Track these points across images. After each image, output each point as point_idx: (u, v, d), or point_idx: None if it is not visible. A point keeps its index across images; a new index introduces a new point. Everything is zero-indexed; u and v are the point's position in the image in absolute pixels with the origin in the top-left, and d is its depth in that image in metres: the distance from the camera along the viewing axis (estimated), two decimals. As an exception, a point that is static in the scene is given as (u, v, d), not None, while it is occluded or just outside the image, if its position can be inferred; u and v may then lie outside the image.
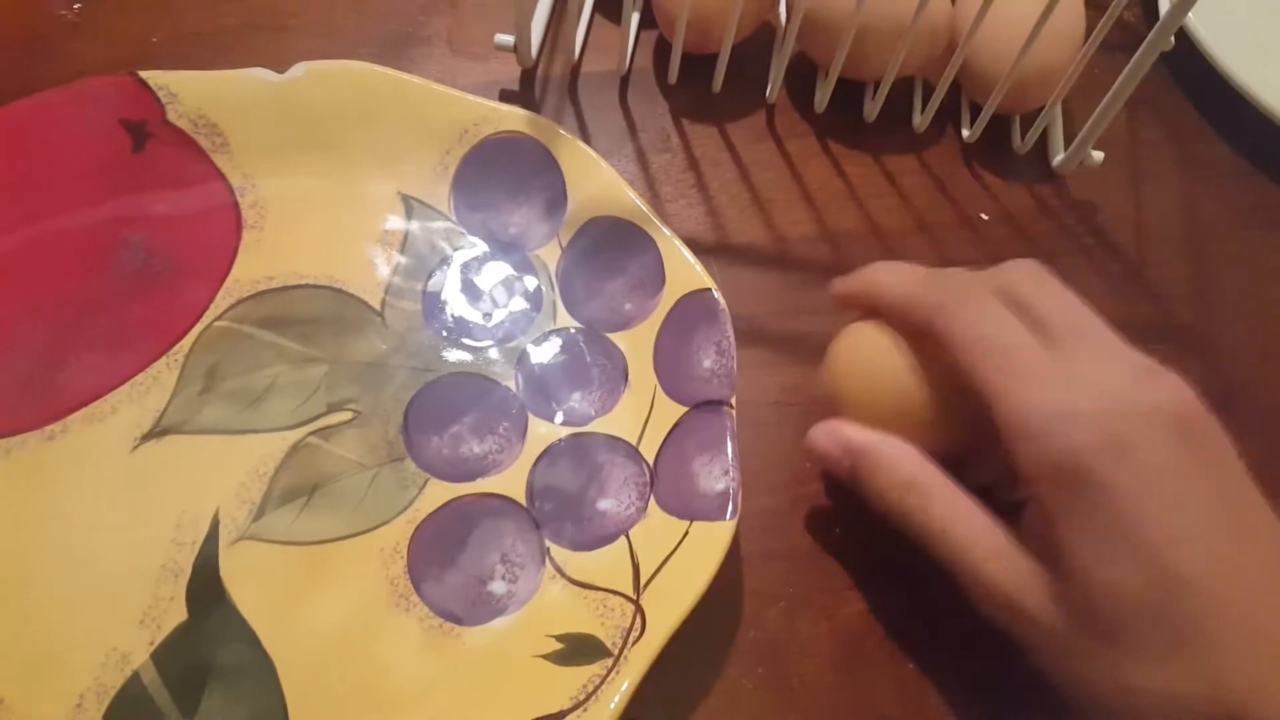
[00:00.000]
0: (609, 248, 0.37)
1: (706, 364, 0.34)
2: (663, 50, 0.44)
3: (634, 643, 0.29)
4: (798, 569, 0.33)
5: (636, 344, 0.36)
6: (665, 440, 0.33)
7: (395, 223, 0.37)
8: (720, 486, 0.31)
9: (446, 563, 0.32)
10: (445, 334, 0.36)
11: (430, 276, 0.37)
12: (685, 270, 0.35)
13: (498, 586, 0.32)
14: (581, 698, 0.28)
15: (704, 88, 0.43)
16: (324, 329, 0.35)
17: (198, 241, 0.36)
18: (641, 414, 0.34)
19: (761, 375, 0.37)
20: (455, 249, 0.37)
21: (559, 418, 0.35)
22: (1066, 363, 0.28)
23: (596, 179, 0.37)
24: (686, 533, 0.31)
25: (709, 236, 0.40)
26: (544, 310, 0.37)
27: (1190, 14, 0.35)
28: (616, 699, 0.28)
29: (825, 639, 0.32)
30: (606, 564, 0.32)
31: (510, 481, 0.33)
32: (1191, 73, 0.47)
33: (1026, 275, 0.31)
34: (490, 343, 0.36)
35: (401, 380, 0.35)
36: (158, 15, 0.43)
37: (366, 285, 0.36)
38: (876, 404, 0.32)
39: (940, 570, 0.31)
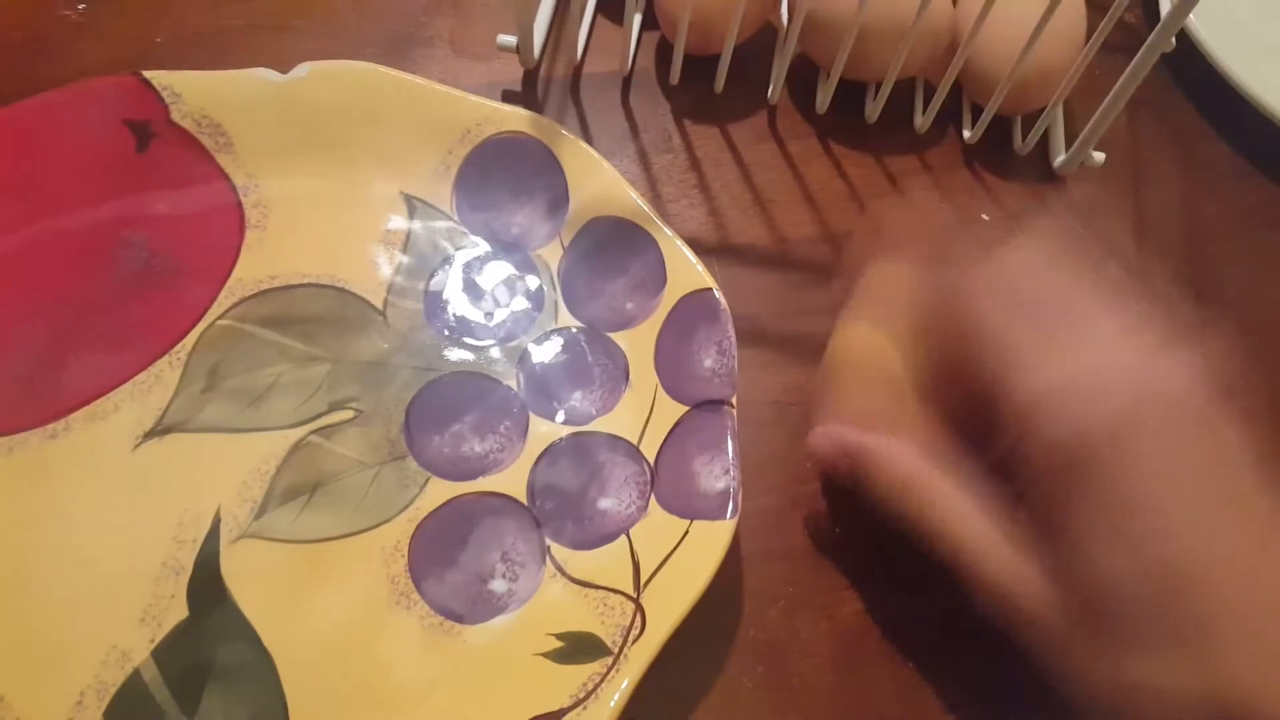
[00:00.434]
0: (611, 247, 0.37)
1: (707, 363, 0.34)
2: (665, 51, 0.44)
3: (634, 641, 0.29)
4: (798, 568, 0.34)
5: (638, 343, 0.36)
6: (666, 439, 0.34)
7: (398, 222, 0.38)
8: (721, 486, 0.31)
9: (447, 561, 0.32)
10: (447, 333, 0.36)
11: (432, 276, 0.37)
12: (687, 270, 0.35)
13: (498, 585, 0.32)
14: (582, 696, 0.28)
15: (706, 88, 0.43)
16: (326, 328, 0.35)
17: (200, 241, 0.36)
18: (642, 413, 0.35)
19: (762, 375, 0.37)
20: (457, 248, 0.37)
21: (560, 417, 0.35)
22: (1069, 341, 0.27)
23: (598, 179, 0.37)
24: (687, 532, 0.31)
25: (710, 237, 0.40)
26: (545, 310, 0.37)
27: (1191, 15, 0.35)
28: (616, 697, 0.28)
29: (825, 638, 0.32)
30: (607, 563, 0.32)
31: (511, 480, 0.33)
32: (1192, 74, 0.47)
33: (1043, 244, 0.30)
34: (492, 342, 0.36)
35: (403, 379, 0.35)
36: (161, 15, 0.43)
37: (369, 284, 0.36)
38: (872, 401, 0.32)
39: (940, 570, 0.31)
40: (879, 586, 0.34)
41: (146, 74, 0.36)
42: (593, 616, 0.31)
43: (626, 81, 0.44)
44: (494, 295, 0.37)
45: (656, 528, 0.32)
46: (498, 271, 0.37)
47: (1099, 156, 0.42)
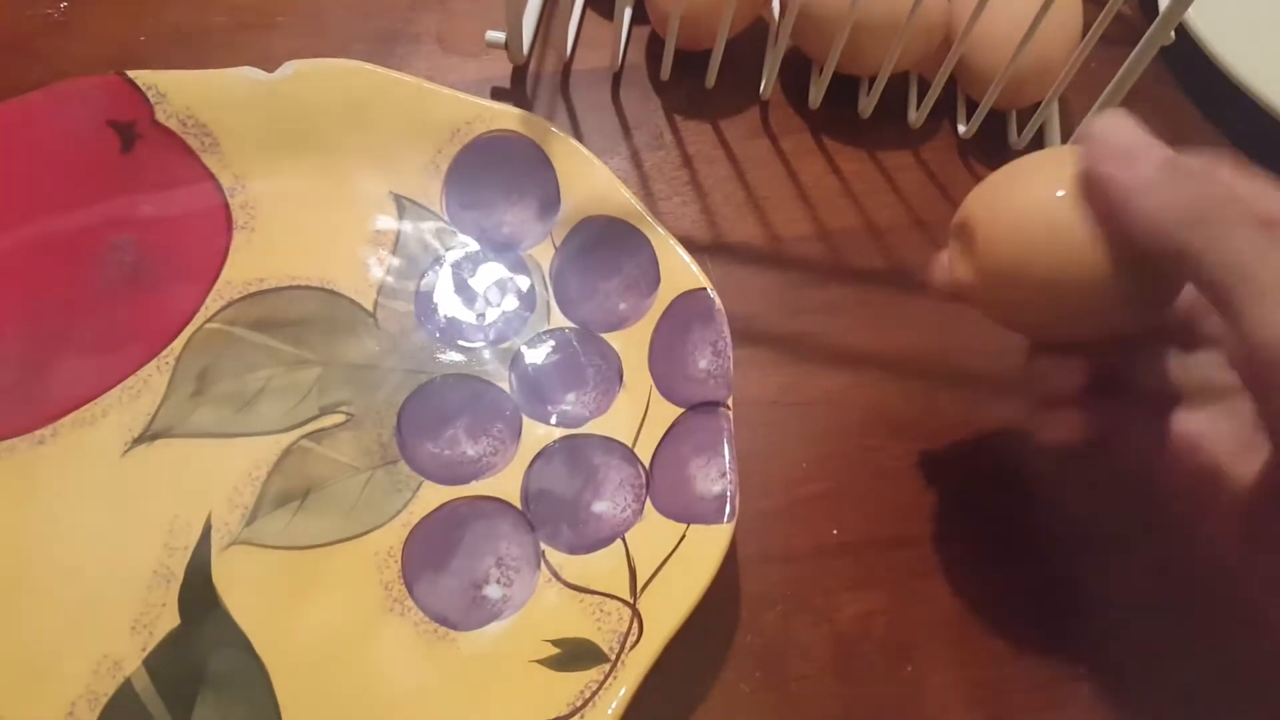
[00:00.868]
0: (603, 247, 0.36)
1: (702, 364, 0.34)
2: (655, 46, 0.44)
3: (631, 648, 0.29)
4: (795, 572, 0.33)
5: (631, 344, 0.35)
6: (661, 442, 0.33)
7: (387, 223, 0.37)
8: (717, 489, 0.31)
9: (441, 567, 0.32)
10: (438, 335, 0.36)
11: (423, 277, 0.37)
12: (680, 269, 0.35)
13: (493, 590, 0.31)
14: (579, 704, 0.28)
15: (697, 84, 0.43)
16: (316, 330, 0.35)
17: (188, 243, 0.36)
18: (637, 415, 0.34)
19: (758, 375, 0.36)
20: (448, 249, 0.37)
21: (554, 419, 0.34)
22: None
23: (590, 177, 0.37)
24: (684, 536, 0.31)
25: (704, 235, 0.40)
26: (538, 310, 0.36)
27: (1189, 8, 0.34)
28: (614, 705, 0.28)
29: (823, 642, 0.32)
30: (603, 568, 0.31)
31: (505, 484, 0.33)
32: (1190, 68, 0.47)
33: (1241, 175, 0.27)
34: (484, 343, 0.36)
35: (394, 382, 0.35)
36: (144, 14, 0.42)
37: (358, 286, 0.36)
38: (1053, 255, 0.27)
39: (940, 572, 0.31)
40: (878, 589, 0.33)
41: (130, 74, 0.36)
42: (589, 622, 0.30)
43: (617, 78, 0.44)
44: (485, 296, 0.36)
45: (653, 532, 0.32)
46: (489, 272, 0.37)
47: (1095, 150, 0.41)
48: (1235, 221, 0.24)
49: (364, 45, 0.42)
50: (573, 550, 0.32)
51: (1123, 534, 0.35)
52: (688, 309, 0.34)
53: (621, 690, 0.28)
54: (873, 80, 0.42)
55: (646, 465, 0.33)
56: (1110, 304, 0.27)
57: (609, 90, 0.43)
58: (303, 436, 0.33)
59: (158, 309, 0.35)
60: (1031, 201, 0.27)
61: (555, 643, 0.30)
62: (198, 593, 0.31)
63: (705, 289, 0.34)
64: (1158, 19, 0.35)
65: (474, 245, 0.37)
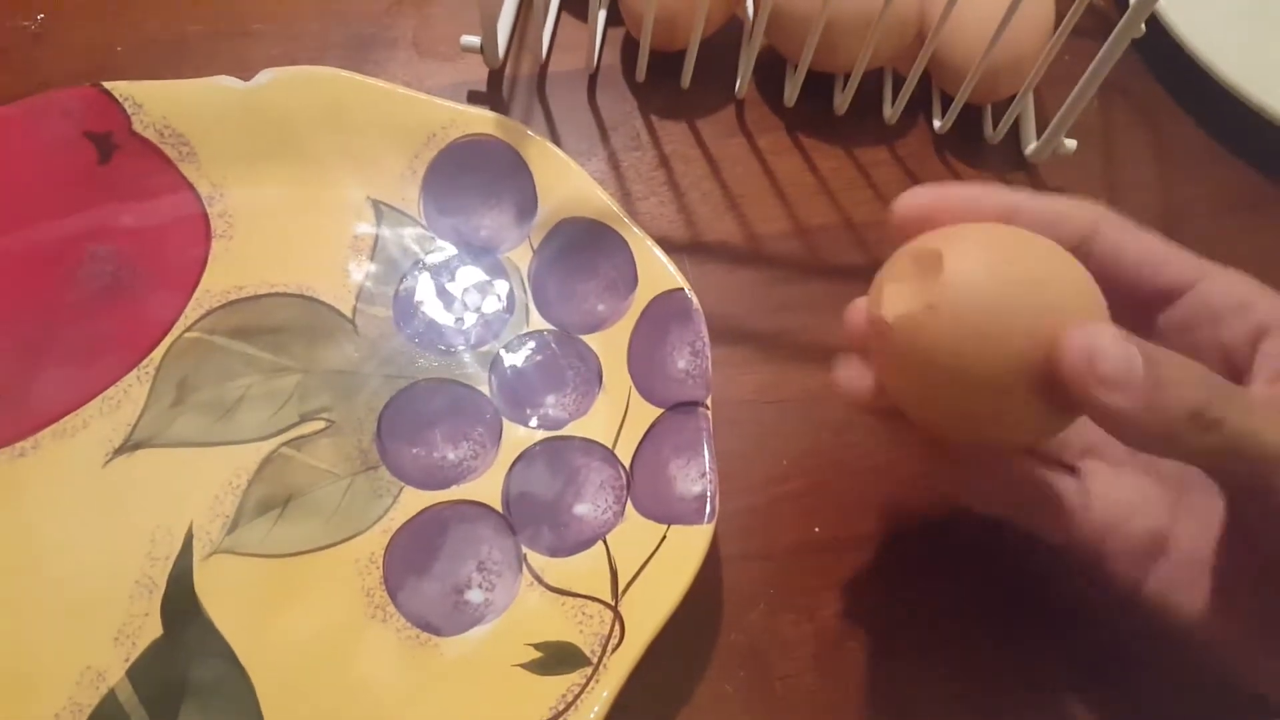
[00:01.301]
0: (581, 249, 0.36)
1: (681, 364, 0.34)
2: (630, 47, 0.44)
3: (613, 650, 0.29)
4: (778, 570, 0.33)
5: (610, 345, 0.35)
6: (641, 443, 0.33)
7: (365, 228, 0.37)
8: (698, 489, 0.31)
9: (423, 572, 0.32)
10: (417, 340, 0.36)
11: (401, 282, 0.37)
12: (657, 270, 0.35)
13: (475, 595, 0.31)
14: (561, 708, 0.28)
15: (673, 84, 0.43)
16: (295, 337, 0.35)
17: (166, 252, 0.36)
18: (617, 416, 0.34)
19: (737, 374, 0.37)
20: (426, 254, 0.37)
21: (533, 422, 0.35)
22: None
23: (566, 180, 0.37)
24: (664, 537, 0.31)
25: (681, 234, 0.40)
26: (516, 313, 0.36)
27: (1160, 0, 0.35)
28: (596, 708, 0.28)
29: (807, 640, 0.32)
30: (584, 570, 0.31)
31: (486, 488, 0.33)
32: (1163, 57, 0.47)
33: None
34: (463, 347, 0.36)
35: (374, 388, 0.35)
36: (120, 24, 0.42)
37: (337, 292, 0.36)
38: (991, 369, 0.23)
39: (924, 569, 0.31)
40: (860, 587, 0.33)
41: (107, 84, 0.36)
42: (571, 626, 0.30)
43: (593, 79, 0.44)
44: (464, 300, 0.36)
45: (634, 533, 0.32)
46: (467, 276, 0.37)
47: (1070, 144, 0.41)
48: (1243, 412, 0.23)
49: (340, 51, 0.42)
50: (554, 553, 0.32)
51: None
52: (666, 309, 0.35)
53: (604, 693, 0.28)
54: (847, 77, 0.42)
55: (627, 466, 0.33)
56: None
57: (585, 92, 0.43)
58: (283, 444, 0.33)
59: (137, 319, 0.35)
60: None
61: (537, 646, 0.30)
62: (180, 602, 0.31)
63: (683, 289, 0.34)
64: (1129, 11, 0.35)
65: (452, 249, 0.37)
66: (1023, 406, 0.23)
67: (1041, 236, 0.25)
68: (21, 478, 0.32)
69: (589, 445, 0.34)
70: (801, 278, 0.39)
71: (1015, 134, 0.44)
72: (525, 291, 0.37)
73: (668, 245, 0.36)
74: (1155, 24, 0.46)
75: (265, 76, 0.37)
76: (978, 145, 0.44)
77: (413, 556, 0.32)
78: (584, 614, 0.30)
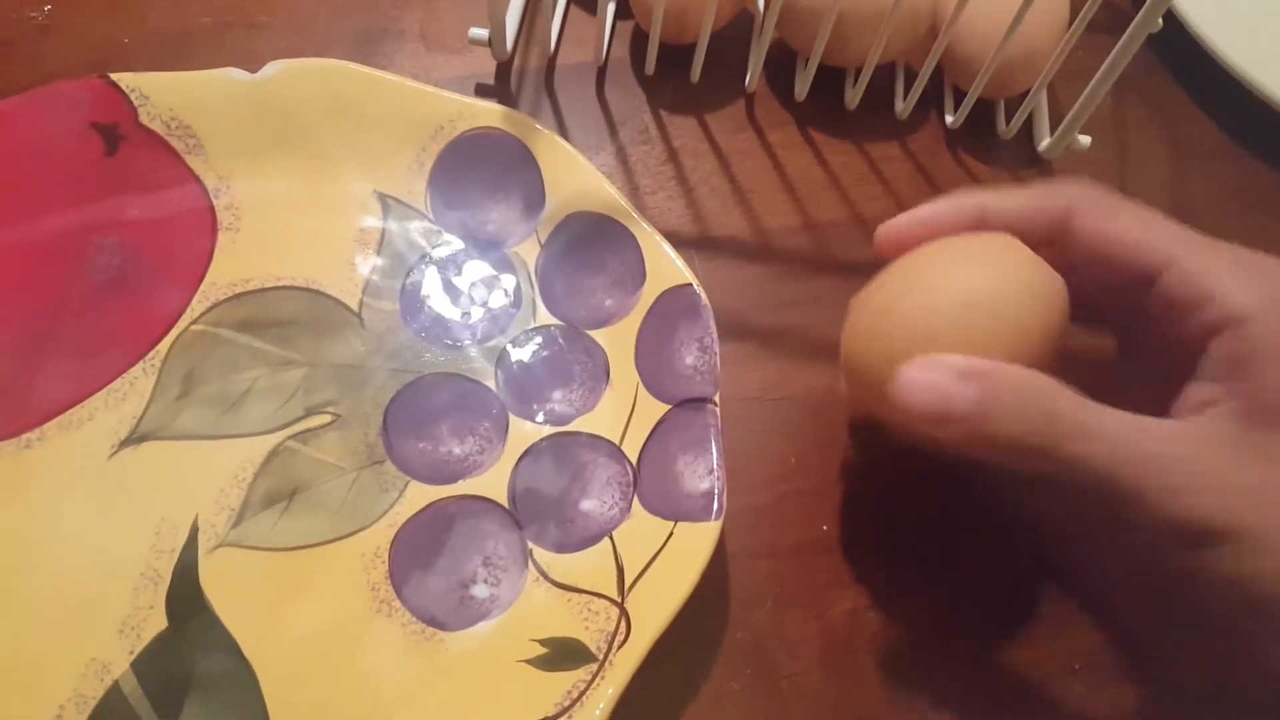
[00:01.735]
0: (588, 244, 0.36)
1: (689, 360, 0.33)
2: (640, 41, 0.44)
3: (619, 647, 0.29)
4: (785, 568, 0.33)
5: (618, 341, 0.35)
6: (648, 439, 0.33)
7: (372, 222, 0.37)
8: (705, 486, 0.31)
9: (428, 567, 0.32)
10: (424, 334, 0.35)
11: (408, 276, 0.36)
12: (666, 265, 0.35)
13: (480, 590, 0.31)
14: (566, 704, 0.28)
15: (682, 78, 0.43)
16: (301, 331, 0.35)
17: (172, 245, 0.36)
18: (624, 412, 0.34)
19: (745, 370, 0.36)
20: (433, 247, 0.37)
21: (540, 417, 0.34)
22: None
23: (574, 174, 0.36)
24: (671, 534, 0.31)
25: (689, 229, 0.40)
26: (523, 308, 0.36)
27: (1177, -6, 0.34)
28: (602, 705, 0.28)
29: (814, 639, 0.32)
30: (590, 566, 0.31)
31: (492, 483, 0.33)
32: (1179, 53, 0.47)
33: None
34: (469, 342, 0.36)
35: (380, 382, 0.34)
36: (129, 17, 0.42)
37: (344, 286, 0.36)
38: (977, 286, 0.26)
39: (929, 567, 0.31)
40: (868, 585, 0.33)
41: (114, 76, 0.36)
42: (577, 622, 0.30)
43: (601, 72, 0.43)
44: (471, 294, 0.36)
45: (640, 530, 0.31)
46: (474, 270, 0.37)
47: (1084, 140, 0.41)
48: (1070, 429, 0.25)
49: (347, 44, 0.42)
50: (560, 549, 0.32)
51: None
52: (674, 305, 0.34)
53: (609, 690, 0.28)
54: (859, 71, 0.42)
55: (634, 463, 0.33)
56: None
57: (593, 86, 0.43)
58: (289, 437, 0.33)
59: (143, 311, 0.35)
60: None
61: (543, 642, 0.30)
62: (185, 595, 0.30)
63: (691, 285, 0.34)
64: (1145, 6, 0.34)
65: (459, 243, 0.37)
66: None
67: (1006, 243, 0.27)
68: (27, 470, 0.32)
69: (596, 441, 0.34)
70: (811, 273, 0.39)
71: (1028, 130, 0.44)
72: (532, 286, 0.37)
73: (676, 240, 0.35)
74: (1172, 19, 0.45)
75: (272, 69, 0.37)
76: (990, 141, 0.44)
77: (418, 551, 0.32)
78: (590, 610, 0.30)
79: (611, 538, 0.32)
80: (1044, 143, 0.43)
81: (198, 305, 0.35)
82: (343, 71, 0.37)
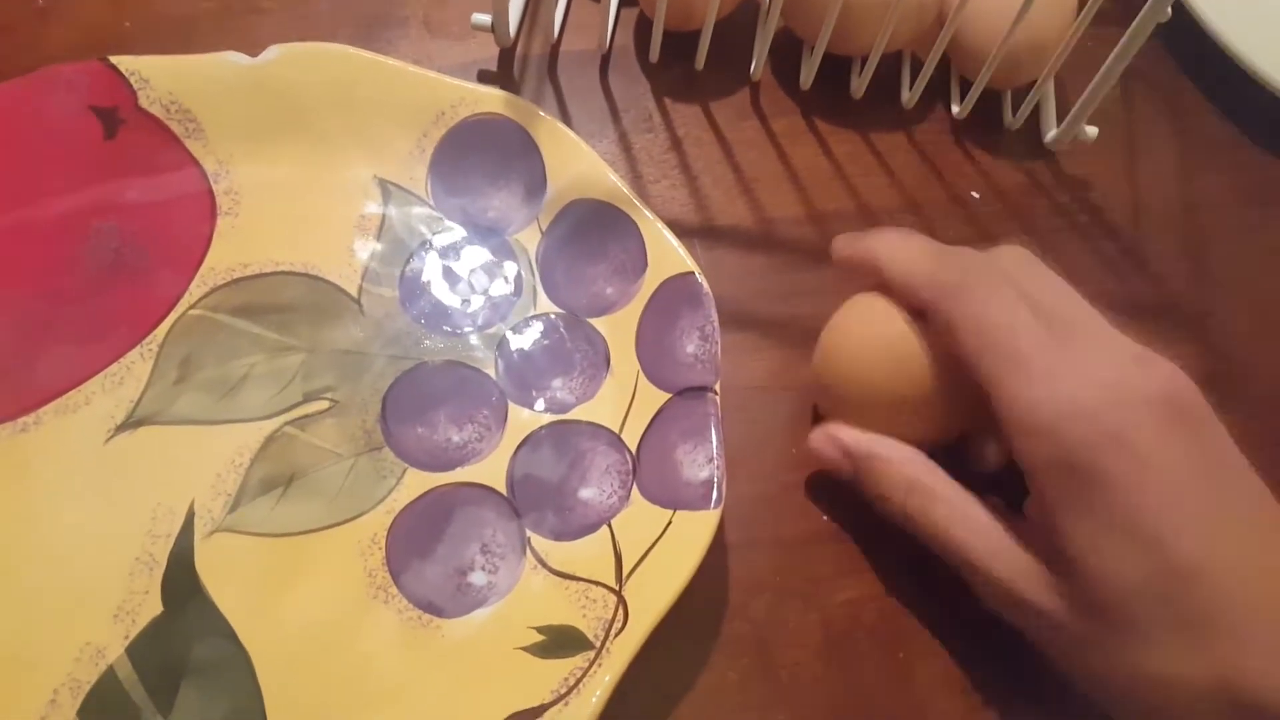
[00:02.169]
0: (590, 231, 0.36)
1: (690, 349, 0.33)
2: (644, 28, 0.43)
3: (616, 635, 0.29)
4: (784, 558, 0.33)
5: (618, 329, 0.35)
6: (648, 427, 0.33)
7: (372, 208, 0.37)
8: (704, 474, 0.31)
9: (426, 553, 0.31)
10: (423, 321, 0.35)
11: (408, 262, 0.36)
12: (668, 253, 0.34)
13: (478, 577, 0.31)
14: (563, 691, 0.28)
15: (686, 66, 0.43)
16: (300, 317, 0.35)
17: (171, 229, 0.36)
18: (624, 401, 0.34)
19: (746, 360, 0.36)
20: (433, 234, 0.37)
21: (540, 405, 0.34)
22: (1062, 352, 0.27)
23: (577, 161, 0.36)
24: (670, 522, 0.31)
25: (692, 218, 0.39)
26: (524, 295, 0.36)
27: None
28: (599, 693, 0.27)
29: (813, 629, 0.32)
30: (589, 554, 0.31)
31: (490, 470, 0.33)
32: (1188, 45, 0.46)
33: (1019, 261, 0.30)
34: (469, 329, 0.35)
35: (379, 368, 0.34)
36: (129, 1, 0.42)
37: (343, 271, 0.36)
38: (874, 392, 0.32)
39: (931, 558, 0.31)
40: (868, 575, 0.33)
41: (113, 59, 0.35)
42: (574, 609, 0.30)
43: (605, 60, 0.43)
44: (471, 281, 0.36)
45: (639, 518, 0.31)
46: (475, 257, 0.37)
47: (1092, 131, 0.41)
48: (986, 296, 0.29)
49: (350, 30, 0.42)
50: (558, 537, 0.32)
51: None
52: (675, 293, 0.34)
53: (606, 678, 0.28)
54: (865, 60, 0.41)
55: (633, 451, 0.33)
56: (946, 415, 0.31)
57: (597, 72, 0.43)
58: (286, 423, 0.33)
59: (141, 295, 0.34)
60: (867, 370, 0.32)
61: (540, 630, 0.30)
62: (181, 580, 0.30)
63: (693, 273, 0.34)
64: (1152, -5, 0.34)
65: (460, 230, 0.37)
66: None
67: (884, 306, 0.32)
68: (23, 453, 0.32)
69: (595, 429, 0.34)
70: (814, 264, 0.38)
71: (1035, 120, 0.43)
72: (533, 274, 0.36)
73: (679, 229, 0.35)
74: (1180, 10, 0.45)
75: (273, 52, 0.36)
76: (997, 131, 0.43)
77: (416, 538, 0.32)
78: (587, 598, 0.30)
79: (610, 526, 0.32)
80: (1050, 134, 0.42)
81: (196, 290, 0.35)
82: (344, 56, 0.37)
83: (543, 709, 0.28)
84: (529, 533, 0.32)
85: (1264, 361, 0.40)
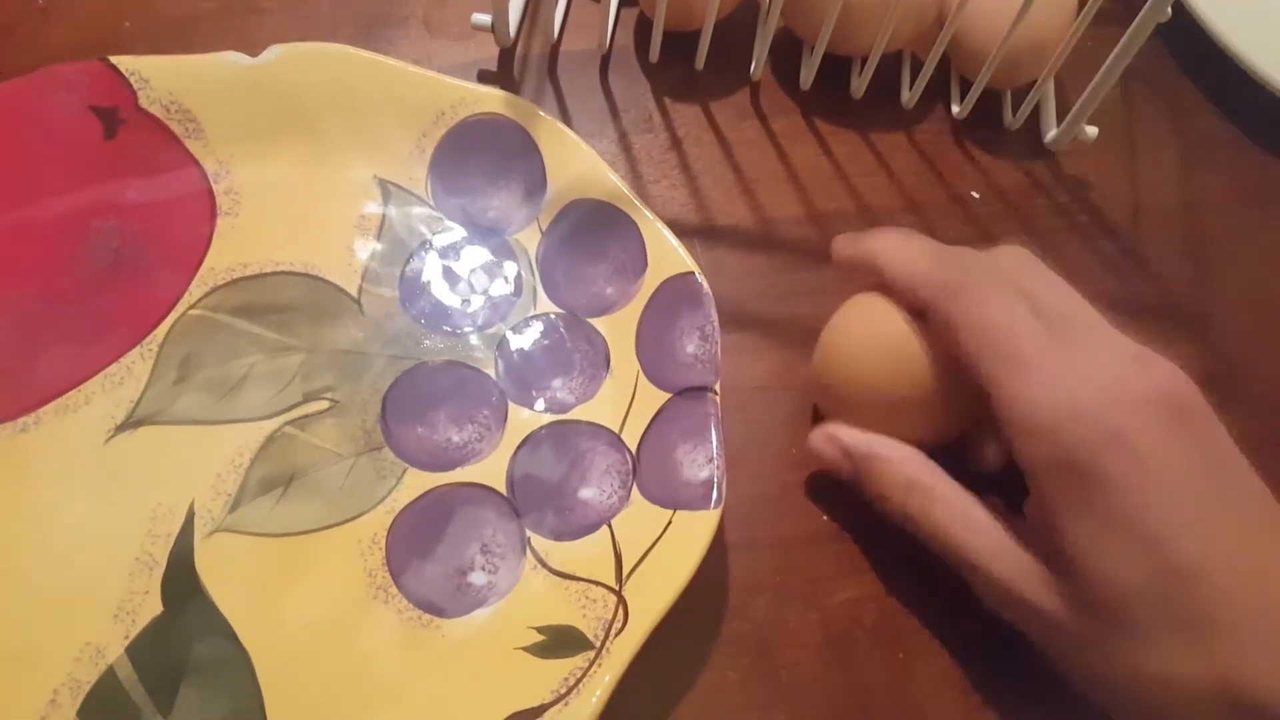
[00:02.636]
0: (590, 231, 0.36)
1: (690, 349, 0.33)
2: (644, 28, 0.43)
3: (616, 635, 0.29)
4: (784, 558, 0.33)
5: (618, 329, 0.35)
6: (648, 427, 0.33)
7: (372, 208, 0.37)
8: (704, 474, 0.31)
9: (426, 553, 0.31)
10: (423, 321, 0.35)
11: (408, 262, 0.36)
12: (668, 253, 0.34)
13: (478, 577, 0.31)
14: (563, 691, 0.28)
15: (687, 66, 0.42)
16: (300, 317, 0.35)
17: (171, 229, 0.36)
18: (624, 401, 0.34)
19: (746, 360, 0.36)
20: (433, 234, 0.37)
21: (540, 405, 0.34)
22: (1062, 352, 0.27)
23: (577, 161, 0.36)
24: (670, 522, 0.31)
25: (692, 218, 0.39)
26: (524, 295, 0.36)
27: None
28: (598, 693, 0.27)
29: (813, 629, 0.32)
30: (589, 554, 0.31)
31: (490, 470, 0.33)
32: (1188, 45, 0.46)
33: (1018, 261, 0.30)
34: (469, 329, 0.35)
35: (379, 368, 0.34)
36: (130, 1, 0.42)
37: (343, 272, 0.36)
38: (874, 392, 0.32)
39: (931, 558, 0.31)
40: (868, 575, 0.33)
41: (113, 59, 0.35)
42: (574, 609, 0.30)
43: (605, 60, 0.43)
44: (471, 281, 0.36)
45: (639, 518, 0.31)
46: (474, 257, 0.37)
47: (1092, 131, 0.41)
48: (986, 296, 0.29)
49: (350, 30, 0.42)
50: (558, 537, 0.32)
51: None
52: (675, 293, 0.34)
53: (606, 678, 0.28)
54: (865, 60, 0.41)
55: (633, 451, 0.33)
56: (946, 414, 0.32)
57: (597, 72, 0.43)
58: (286, 423, 0.33)
59: (141, 295, 0.34)
60: (867, 369, 0.32)
61: (540, 630, 0.30)
62: (180, 580, 0.30)
63: (693, 273, 0.34)
64: (1152, -6, 0.34)
65: (460, 230, 0.37)
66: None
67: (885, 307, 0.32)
68: (23, 453, 0.32)
69: (595, 429, 0.34)
70: (814, 264, 0.38)
71: (1035, 120, 0.43)
72: (533, 274, 0.36)
73: (679, 229, 0.35)
74: (1180, 10, 0.45)
75: (273, 52, 0.36)
76: (997, 131, 0.43)
77: (416, 538, 0.32)
78: (587, 598, 0.30)
79: (610, 526, 0.32)
80: (1050, 134, 0.42)
81: (196, 290, 0.35)
82: (344, 56, 0.37)
83: (543, 709, 0.28)
84: (529, 533, 0.32)
85: (1264, 361, 0.40)
